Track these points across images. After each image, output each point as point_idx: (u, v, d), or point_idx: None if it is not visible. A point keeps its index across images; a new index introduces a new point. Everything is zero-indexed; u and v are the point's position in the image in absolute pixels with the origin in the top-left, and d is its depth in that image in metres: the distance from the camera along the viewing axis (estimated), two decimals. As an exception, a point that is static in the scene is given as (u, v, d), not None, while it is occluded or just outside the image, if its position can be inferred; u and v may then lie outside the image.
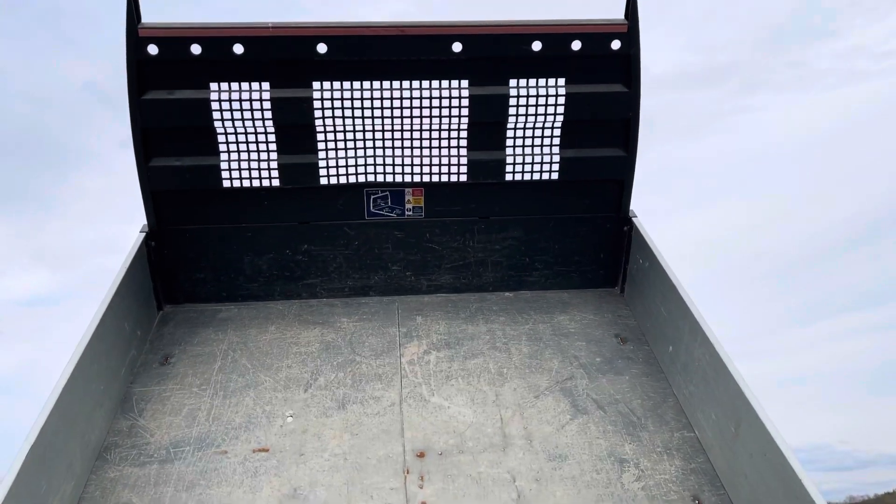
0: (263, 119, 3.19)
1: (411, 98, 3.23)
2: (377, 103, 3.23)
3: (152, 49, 3.03)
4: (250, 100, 3.15)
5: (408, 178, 3.40)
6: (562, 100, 3.28)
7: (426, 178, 3.40)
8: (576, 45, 3.20)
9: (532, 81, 3.26)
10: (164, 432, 2.75)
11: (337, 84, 3.18)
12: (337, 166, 3.33)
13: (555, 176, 3.43)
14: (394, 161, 3.37)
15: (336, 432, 2.77)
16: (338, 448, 2.70)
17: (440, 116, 3.28)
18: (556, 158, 3.39)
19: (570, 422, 2.85)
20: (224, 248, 3.45)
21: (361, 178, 3.38)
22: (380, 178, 3.39)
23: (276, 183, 3.31)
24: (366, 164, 3.35)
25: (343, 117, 3.24)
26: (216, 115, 3.17)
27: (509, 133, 3.35)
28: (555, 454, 2.69)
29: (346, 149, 3.31)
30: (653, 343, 3.24)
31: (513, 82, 3.26)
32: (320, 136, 3.27)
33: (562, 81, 3.28)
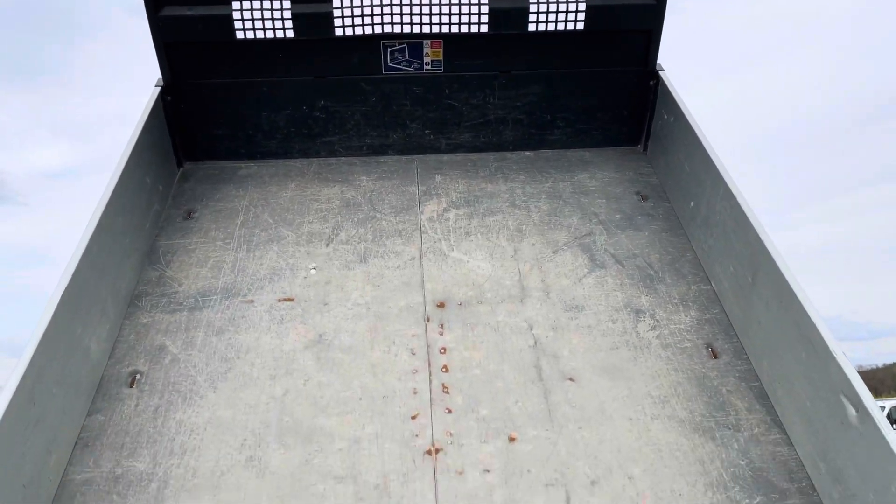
0: None
1: None
2: None
3: None
4: None
5: (426, 30, 3.27)
6: None
7: (445, 29, 3.27)
8: None
9: None
10: (191, 282, 2.83)
11: None
12: (352, 16, 3.19)
13: (580, 26, 3.27)
14: (411, 10, 3.21)
15: (358, 284, 2.84)
16: (360, 298, 2.77)
17: None
18: (582, 6, 3.22)
19: (587, 275, 2.88)
20: (240, 104, 3.40)
21: (378, 29, 3.25)
22: (396, 30, 3.26)
23: (289, 34, 3.20)
24: (382, 14, 3.21)
25: None
26: None
27: None
28: (572, 305, 2.75)
29: None
30: (674, 200, 3.22)
31: None
32: None
33: None
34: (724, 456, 2.23)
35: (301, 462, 2.21)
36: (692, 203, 3.00)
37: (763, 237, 2.40)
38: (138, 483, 2.14)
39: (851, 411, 1.92)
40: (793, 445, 2.25)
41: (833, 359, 1.99)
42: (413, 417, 2.34)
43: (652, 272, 2.89)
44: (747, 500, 2.10)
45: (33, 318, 2.10)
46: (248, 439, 2.27)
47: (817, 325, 2.07)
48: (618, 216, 3.18)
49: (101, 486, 2.14)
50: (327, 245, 3.03)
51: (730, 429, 2.31)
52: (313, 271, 2.90)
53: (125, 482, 2.14)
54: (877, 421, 1.80)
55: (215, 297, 2.77)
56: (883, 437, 1.78)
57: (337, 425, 2.32)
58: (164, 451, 2.23)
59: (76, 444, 2.24)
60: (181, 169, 3.46)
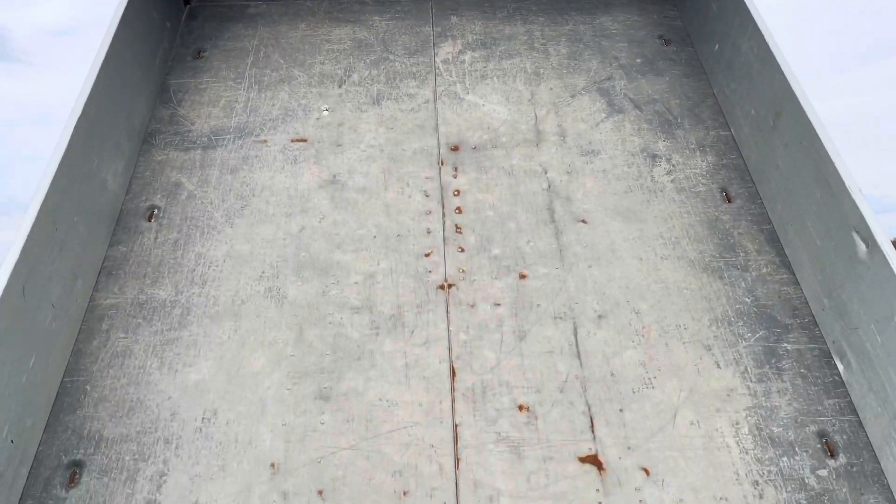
0: None
1: None
2: None
3: None
4: None
5: None
6: None
7: None
8: None
9: None
10: (203, 121, 2.81)
11: None
12: None
13: None
14: None
15: (371, 126, 2.80)
16: (373, 140, 2.75)
17: None
18: None
19: (605, 120, 2.83)
20: None
21: None
22: None
23: None
24: None
25: None
26: None
27: None
28: (587, 149, 2.72)
29: None
30: (698, 44, 3.09)
31: None
32: None
33: None
34: (730, 294, 2.28)
35: (318, 293, 2.28)
36: (717, 45, 2.88)
37: (789, 76, 2.32)
38: (162, 308, 2.23)
39: (862, 247, 1.94)
40: (799, 285, 2.29)
41: (848, 195, 1.98)
42: (427, 255, 2.39)
43: (671, 117, 2.83)
44: (749, 335, 2.17)
45: (39, 178, 1.99)
46: (267, 272, 2.34)
47: (836, 162, 2.04)
48: (639, 60, 3.07)
49: (127, 310, 2.23)
50: (339, 86, 2.96)
51: (738, 269, 2.34)
52: (326, 113, 2.86)
53: (150, 308, 2.23)
54: (885, 253, 1.82)
55: (228, 136, 2.76)
56: (890, 269, 1.80)
57: (352, 261, 2.37)
58: (185, 281, 2.30)
59: (100, 272, 2.32)
60: (188, 6, 3.34)
